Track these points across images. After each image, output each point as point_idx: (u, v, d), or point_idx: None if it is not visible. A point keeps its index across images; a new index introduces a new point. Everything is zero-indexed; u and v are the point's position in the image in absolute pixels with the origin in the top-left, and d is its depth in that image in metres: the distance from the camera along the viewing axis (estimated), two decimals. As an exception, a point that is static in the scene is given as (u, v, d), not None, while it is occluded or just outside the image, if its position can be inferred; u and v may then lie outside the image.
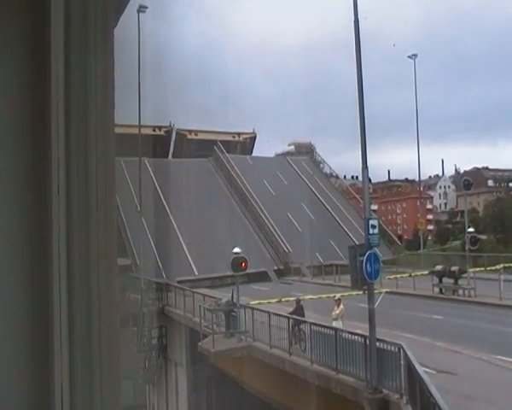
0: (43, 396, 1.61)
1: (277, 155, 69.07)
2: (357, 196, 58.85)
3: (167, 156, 54.02)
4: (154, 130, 51.50)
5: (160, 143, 51.86)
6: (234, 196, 48.84)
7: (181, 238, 40.59)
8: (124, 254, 35.25)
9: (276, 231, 44.84)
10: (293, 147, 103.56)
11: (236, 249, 25.42)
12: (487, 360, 17.39)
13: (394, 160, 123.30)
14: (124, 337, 25.99)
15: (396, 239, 50.84)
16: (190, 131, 56.11)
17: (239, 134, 59.71)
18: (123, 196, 33.47)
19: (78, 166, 1.63)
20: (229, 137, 59.15)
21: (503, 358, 17.27)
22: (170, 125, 54.25)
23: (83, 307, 1.62)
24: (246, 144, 60.23)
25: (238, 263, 23.98)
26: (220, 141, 56.47)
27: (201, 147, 53.75)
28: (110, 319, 1.66)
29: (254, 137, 61.84)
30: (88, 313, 1.62)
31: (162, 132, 53.47)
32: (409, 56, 50.76)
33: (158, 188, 42.95)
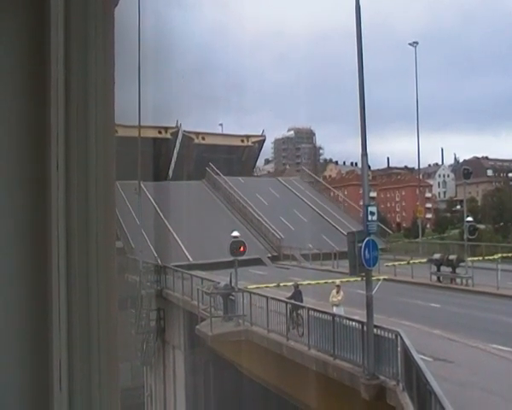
0: (41, 377, 1.60)
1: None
2: (334, 191, 59.27)
3: (170, 162, 53.12)
4: (159, 132, 50.53)
5: (166, 147, 50.67)
6: (226, 204, 48.84)
7: (175, 235, 40.53)
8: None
9: (268, 224, 45.05)
10: (292, 132, 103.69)
11: (235, 233, 25.47)
12: (484, 348, 17.46)
13: (399, 147, 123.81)
14: (122, 319, 26.15)
15: (387, 229, 50.85)
16: (198, 135, 55.07)
17: (248, 137, 58.86)
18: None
19: (77, 141, 1.61)
20: (238, 142, 58.36)
21: (500, 347, 17.34)
22: (176, 126, 53.17)
23: (81, 287, 1.60)
24: (253, 149, 59.56)
25: (236, 247, 24.01)
26: (228, 146, 55.75)
27: (208, 150, 52.93)
28: (108, 301, 1.64)
29: (263, 141, 61.37)
30: (86, 294, 1.61)
31: (168, 135, 52.31)
32: (410, 44, 50.66)
33: (155, 205, 42.34)
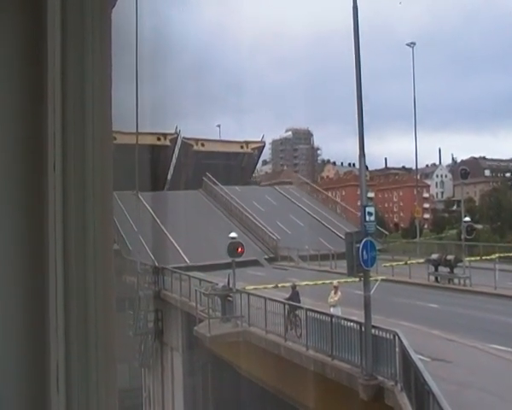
0: (38, 379, 1.59)
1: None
2: (326, 193, 59.33)
3: (168, 170, 52.85)
4: (158, 138, 50.21)
5: (164, 154, 50.13)
6: (223, 211, 48.85)
7: (172, 240, 40.51)
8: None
9: (264, 226, 45.13)
10: (290, 133, 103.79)
11: (233, 234, 25.49)
12: (482, 348, 17.49)
13: (396, 148, 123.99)
14: (120, 321, 26.13)
15: (383, 230, 50.80)
16: (197, 141, 54.72)
17: (247, 144, 58.60)
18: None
19: (74, 141, 1.60)
20: (237, 148, 58.11)
21: (498, 347, 17.38)
22: (176, 132, 52.85)
23: (79, 288, 1.60)
24: (253, 156, 59.43)
25: (234, 248, 24.00)
26: (227, 152, 55.53)
27: (207, 157, 52.64)
28: (106, 302, 1.64)
29: (263, 147, 61.32)
30: (84, 295, 1.60)
31: (167, 142, 51.95)
32: (407, 44, 50.83)
33: (153, 213, 42.08)
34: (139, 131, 39.39)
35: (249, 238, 43.32)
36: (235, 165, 56.55)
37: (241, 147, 58.37)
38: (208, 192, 51.71)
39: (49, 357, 1.57)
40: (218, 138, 61.78)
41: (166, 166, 52.31)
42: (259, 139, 60.79)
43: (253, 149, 58.92)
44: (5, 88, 1.60)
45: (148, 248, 36.74)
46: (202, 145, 54.92)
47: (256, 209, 48.22)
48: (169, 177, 53.53)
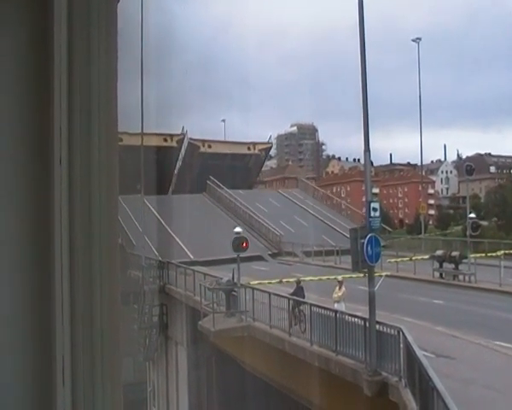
0: (44, 372, 1.60)
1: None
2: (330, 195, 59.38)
3: (174, 171, 52.68)
4: (165, 140, 49.91)
5: (170, 155, 49.62)
6: (226, 211, 48.87)
7: (176, 238, 40.61)
8: None
9: (268, 224, 45.31)
10: (295, 128, 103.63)
11: (237, 229, 25.50)
12: (486, 345, 17.46)
13: (401, 144, 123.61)
14: (125, 314, 26.21)
15: (386, 227, 50.60)
16: (204, 142, 54.34)
17: (254, 145, 58.24)
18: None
19: (80, 135, 1.61)
20: (244, 149, 57.75)
21: (502, 343, 17.34)
22: (182, 133, 52.59)
23: (84, 282, 1.60)
24: (260, 158, 59.18)
25: (239, 243, 24.00)
26: (234, 154, 55.29)
27: (214, 158, 52.45)
28: (111, 296, 1.64)
29: (270, 148, 61.10)
30: (89, 289, 1.61)
31: (174, 143, 51.55)
32: (413, 40, 50.63)
33: (157, 215, 42.06)
34: (144, 127, 39.32)
35: (253, 236, 43.36)
36: (242, 166, 56.31)
37: (248, 148, 58.08)
38: (212, 195, 51.80)
39: (54, 351, 1.58)
40: (224, 138, 61.61)
41: (172, 167, 52.15)
42: (266, 140, 60.67)
43: (260, 150, 58.70)
44: (12, 82, 1.60)
45: (152, 245, 36.84)
46: (209, 147, 54.63)
47: (260, 211, 48.35)
48: (174, 178, 53.37)
